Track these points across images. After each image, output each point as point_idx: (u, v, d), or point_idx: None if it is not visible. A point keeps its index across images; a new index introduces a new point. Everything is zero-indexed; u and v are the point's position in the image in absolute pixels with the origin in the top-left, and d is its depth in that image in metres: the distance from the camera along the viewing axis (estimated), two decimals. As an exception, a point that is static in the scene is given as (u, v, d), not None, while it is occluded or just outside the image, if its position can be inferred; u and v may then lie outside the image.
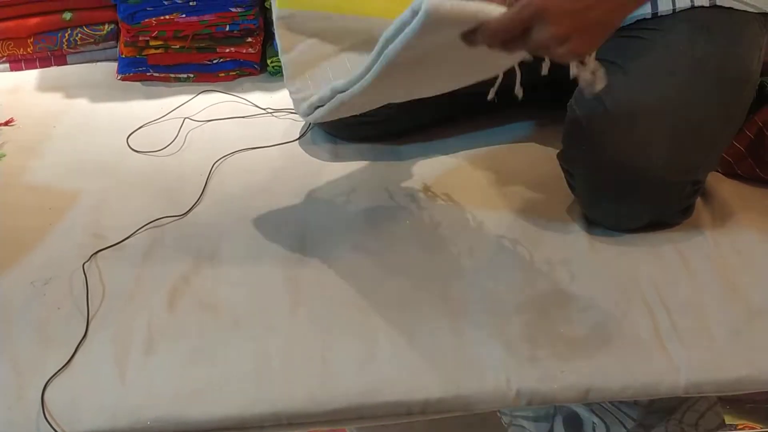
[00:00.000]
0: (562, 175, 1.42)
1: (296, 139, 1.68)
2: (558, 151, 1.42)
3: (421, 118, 1.62)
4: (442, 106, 1.65)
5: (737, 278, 1.27)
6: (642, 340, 1.16)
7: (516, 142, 1.62)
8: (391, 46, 1.08)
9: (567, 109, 1.42)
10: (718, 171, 1.48)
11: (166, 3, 1.82)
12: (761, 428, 1.11)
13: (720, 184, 1.47)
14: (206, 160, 1.61)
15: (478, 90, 1.46)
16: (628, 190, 1.32)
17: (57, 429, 1.05)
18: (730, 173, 1.49)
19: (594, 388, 1.10)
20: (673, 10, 1.36)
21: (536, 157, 1.55)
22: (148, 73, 1.91)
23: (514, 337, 1.16)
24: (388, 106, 1.58)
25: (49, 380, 1.11)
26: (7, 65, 1.98)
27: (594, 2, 1.06)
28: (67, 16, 1.90)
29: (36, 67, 1.98)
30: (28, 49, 1.94)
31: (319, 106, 1.29)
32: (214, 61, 1.90)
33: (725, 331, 1.17)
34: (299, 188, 1.52)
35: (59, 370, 1.12)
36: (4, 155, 1.65)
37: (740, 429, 1.09)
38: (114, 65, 1.94)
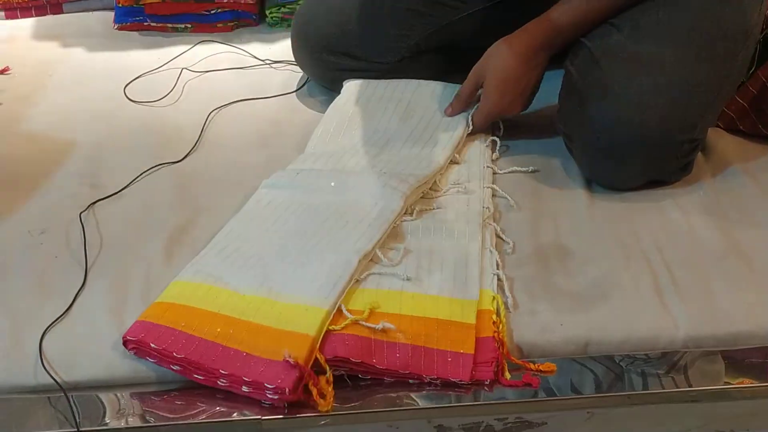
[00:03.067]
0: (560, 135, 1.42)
1: (294, 91, 1.67)
2: (555, 111, 1.42)
3: (422, 72, 1.61)
4: (441, 62, 1.64)
5: (737, 234, 1.26)
6: (642, 294, 1.15)
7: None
8: None
9: (564, 69, 1.41)
10: (719, 126, 1.47)
11: (163, -49, 1.81)
12: (758, 384, 1.10)
13: (721, 139, 1.47)
14: (203, 111, 1.60)
15: (479, 45, 1.46)
16: (625, 150, 1.31)
17: (55, 377, 1.04)
18: (732, 129, 1.48)
19: (593, 341, 1.10)
20: None
21: (537, 114, 1.54)
22: (146, 23, 1.89)
23: (513, 289, 1.16)
24: (387, 62, 1.57)
25: (47, 329, 1.10)
26: (2, 13, 1.97)
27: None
28: (64, -37, 1.88)
29: (32, 16, 1.96)
30: (24, -3, 1.93)
31: None
32: (212, 12, 1.88)
33: (724, 286, 1.17)
34: (296, 140, 1.51)
35: (57, 319, 1.12)
36: (0, 104, 1.64)
37: (738, 386, 1.09)
38: (110, 14, 1.93)
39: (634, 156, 1.31)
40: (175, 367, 1.04)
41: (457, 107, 1.49)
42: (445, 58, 1.65)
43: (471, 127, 1.47)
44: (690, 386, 1.07)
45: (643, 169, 1.34)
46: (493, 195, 1.34)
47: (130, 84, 1.69)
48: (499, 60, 1.43)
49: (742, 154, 1.44)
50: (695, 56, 1.32)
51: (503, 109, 1.46)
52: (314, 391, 1.00)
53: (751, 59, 1.43)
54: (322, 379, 1.01)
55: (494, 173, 1.40)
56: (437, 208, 1.30)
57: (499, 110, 1.46)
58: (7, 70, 1.74)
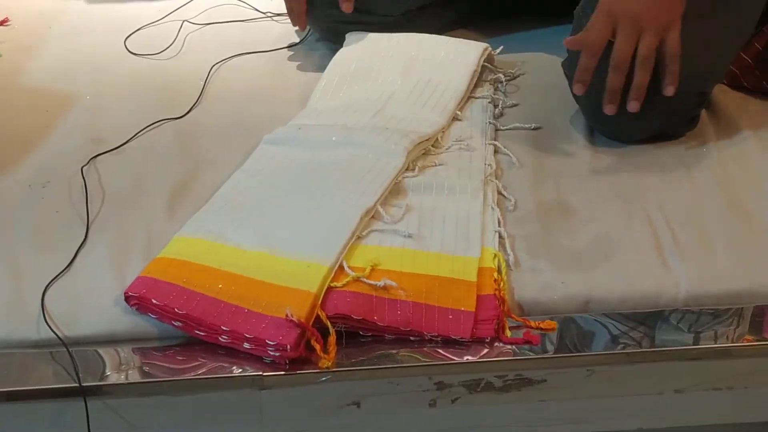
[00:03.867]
0: (566, 83, 1.40)
1: (296, 44, 1.66)
2: (563, 59, 1.40)
3: (428, 25, 1.60)
4: (449, 13, 1.63)
5: (740, 192, 1.26)
6: (643, 252, 1.15)
7: (525, 51, 1.61)
8: None
9: (574, 17, 1.40)
10: (723, 83, 1.46)
11: None
12: (758, 342, 1.10)
13: (725, 95, 1.46)
14: (205, 64, 1.59)
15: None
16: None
17: (57, 332, 1.04)
18: (736, 85, 1.47)
19: (594, 299, 1.10)
20: None
21: (541, 64, 1.53)
22: (145, -27, 1.87)
23: (514, 247, 1.16)
24: (392, 15, 1.56)
25: (48, 284, 1.10)
26: (1, -37, 1.94)
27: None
28: None
29: (31, -35, 1.94)
30: (23, -53, 1.90)
31: None
32: (214, -38, 1.86)
33: (726, 244, 1.16)
34: (299, 94, 1.51)
35: (59, 274, 1.11)
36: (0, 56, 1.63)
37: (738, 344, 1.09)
38: (110, -36, 1.91)
39: (641, 106, 1.30)
40: (177, 323, 1.04)
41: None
42: (451, 12, 1.64)
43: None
44: (690, 344, 1.07)
45: (648, 121, 1.33)
46: (495, 152, 1.34)
47: (131, 36, 1.68)
48: None
49: (746, 110, 1.43)
50: (709, 8, 1.30)
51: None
52: (317, 348, 1.00)
53: (762, 14, 1.41)
54: (325, 336, 1.02)
55: (496, 129, 1.40)
56: (439, 165, 1.30)
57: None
58: (6, 22, 1.73)
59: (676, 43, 1.26)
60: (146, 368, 1.04)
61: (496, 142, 1.35)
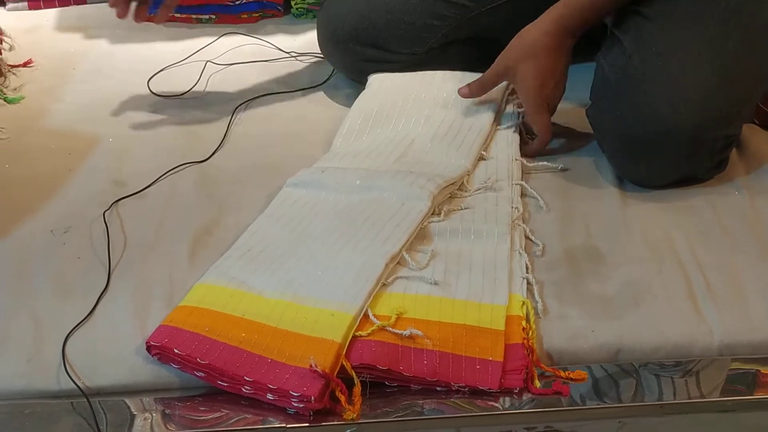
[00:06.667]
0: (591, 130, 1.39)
1: (320, 84, 1.65)
2: (587, 106, 1.39)
3: (451, 63, 1.59)
4: (472, 50, 1.62)
5: (773, 236, 1.24)
6: (675, 299, 1.13)
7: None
8: None
9: (596, 62, 1.39)
10: (754, 122, 1.44)
11: (187, -60, 1.78)
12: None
13: (756, 136, 1.44)
14: (228, 105, 1.58)
15: (508, 36, 1.43)
16: (657, 146, 1.28)
17: (77, 382, 1.03)
18: (766, 125, 1.45)
19: (625, 348, 1.08)
20: None
21: (566, 110, 1.51)
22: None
23: (543, 294, 1.14)
24: (415, 53, 1.56)
25: (69, 333, 1.09)
26: (26, 4, 1.96)
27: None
28: (87, -47, 1.87)
29: (55, 6, 1.95)
30: (48, -12, 1.91)
31: None
32: (237, 2, 1.86)
33: (760, 291, 1.14)
34: (323, 135, 1.49)
35: (80, 323, 1.10)
36: (23, 97, 1.63)
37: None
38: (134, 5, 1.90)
39: (667, 152, 1.28)
40: (199, 374, 1.03)
41: (476, 91, 1.45)
42: (474, 49, 1.63)
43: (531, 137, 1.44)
44: (725, 395, 1.04)
45: (676, 165, 1.31)
46: (522, 194, 1.32)
47: (155, 77, 1.67)
48: (532, 47, 1.39)
49: (778, 151, 1.41)
50: (731, 50, 1.28)
51: (546, 97, 1.40)
52: (342, 399, 0.98)
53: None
54: (350, 387, 1.00)
55: (523, 165, 1.38)
56: (465, 209, 1.28)
57: (541, 100, 1.40)
58: (30, 63, 1.73)
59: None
60: (168, 420, 1.02)
61: (522, 182, 1.33)
